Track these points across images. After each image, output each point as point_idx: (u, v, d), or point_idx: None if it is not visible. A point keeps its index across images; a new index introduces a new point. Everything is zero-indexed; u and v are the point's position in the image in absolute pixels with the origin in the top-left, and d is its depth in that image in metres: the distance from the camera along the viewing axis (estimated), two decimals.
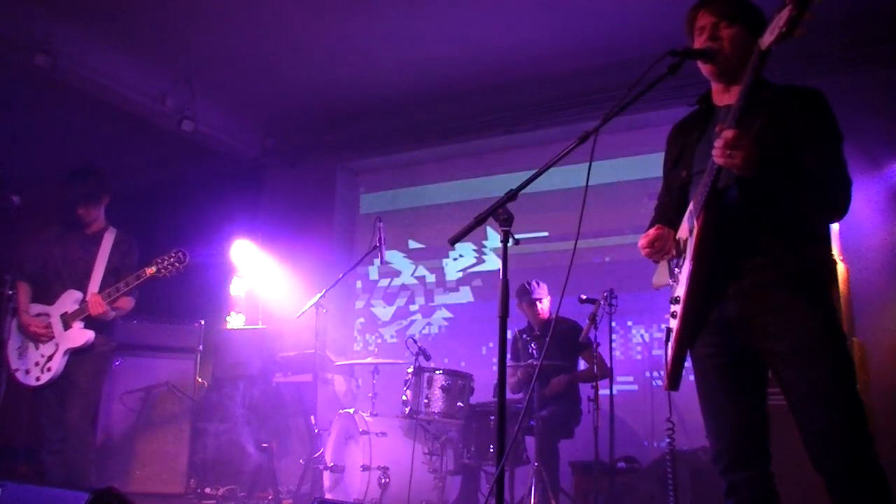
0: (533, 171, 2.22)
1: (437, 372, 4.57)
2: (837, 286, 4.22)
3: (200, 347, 5.86)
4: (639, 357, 5.70)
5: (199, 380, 5.84)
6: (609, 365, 4.43)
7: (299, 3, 5.21)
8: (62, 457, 3.80)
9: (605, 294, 4.39)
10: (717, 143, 1.95)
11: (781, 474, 2.16)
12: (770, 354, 2.06)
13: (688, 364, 2.20)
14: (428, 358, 4.73)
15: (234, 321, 6.63)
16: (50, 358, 3.88)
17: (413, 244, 7.07)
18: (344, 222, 7.38)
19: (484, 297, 6.64)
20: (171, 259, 3.92)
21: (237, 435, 5.63)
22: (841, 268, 4.46)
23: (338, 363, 5.72)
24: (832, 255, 2.16)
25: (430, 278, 6.94)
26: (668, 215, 2.36)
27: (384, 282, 7.20)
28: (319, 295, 4.90)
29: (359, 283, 7.32)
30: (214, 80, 6.34)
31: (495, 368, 2.84)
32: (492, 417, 4.45)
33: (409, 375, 4.62)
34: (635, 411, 5.41)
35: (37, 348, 3.92)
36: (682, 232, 2.22)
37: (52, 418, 3.90)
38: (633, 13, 5.11)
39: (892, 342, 4.57)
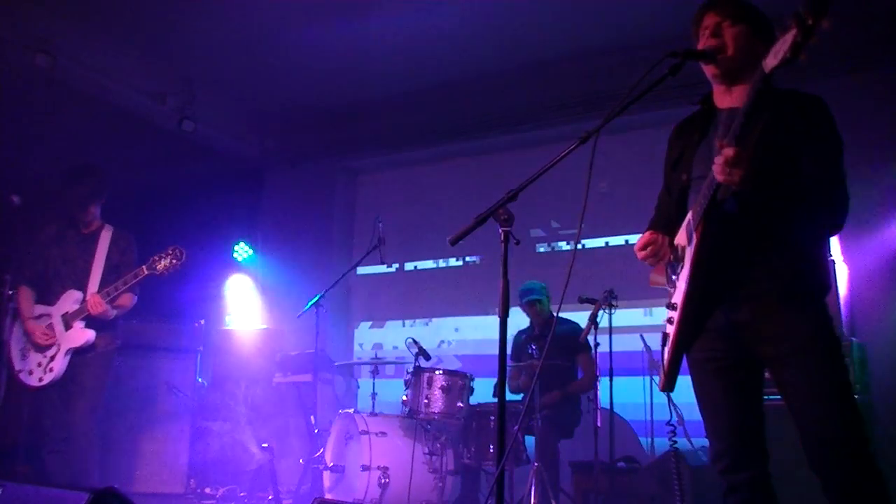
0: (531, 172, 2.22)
1: (436, 372, 4.57)
2: (837, 289, 4.24)
3: (200, 347, 5.86)
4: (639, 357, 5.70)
5: (200, 380, 5.84)
6: (610, 365, 4.41)
7: (299, 4, 5.21)
8: (64, 456, 3.80)
9: (605, 294, 4.38)
10: (718, 160, 1.97)
11: (780, 475, 2.17)
12: (767, 358, 2.10)
13: (686, 364, 2.22)
14: (428, 358, 4.73)
15: (235, 321, 6.63)
16: (52, 358, 3.88)
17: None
18: (344, 222, 7.39)
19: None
20: (169, 256, 3.92)
21: (239, 435, 5.63)
22: (841, 268, 4.47)
23: (338, 363, 5.73)
24: (828, 265, 2.18)
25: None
26: (667, 215, 2.38)
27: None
28: (319, 295, 4.90)
29: None
30: (214, 80, 6.34)
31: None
32: (492, 417, 4.46)
33: (409, 375, 4.62)
34: (635, 411, 5.41)
35: (39, 349, 3.93)
36: (680, 238, 2.24)
37: (54, 418, 3.89)
38: (634, 13, 5.11)
39: (892, 342, 4.57)
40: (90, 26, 5.60)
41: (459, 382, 4.57)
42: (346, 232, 7.39)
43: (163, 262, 3.91)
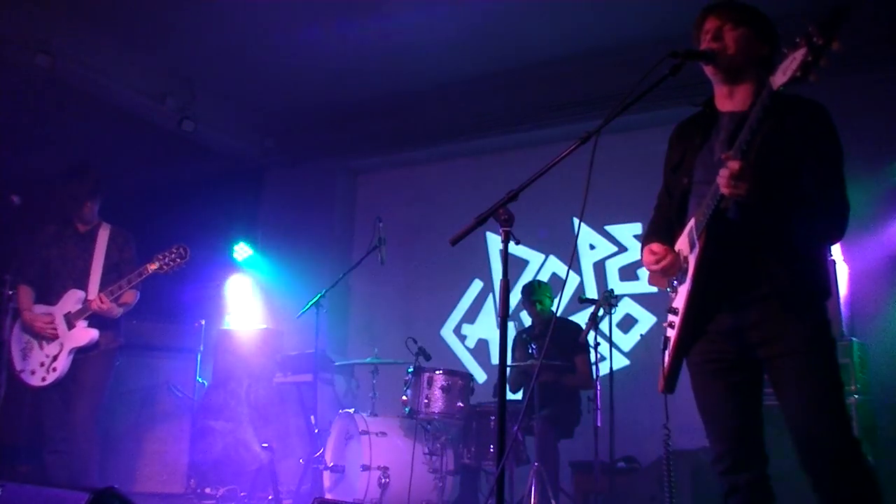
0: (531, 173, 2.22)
1: (436, 372, 4.57)
2: (837, 289, 4.24)
3: (201, 347, 5.86)
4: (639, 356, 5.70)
5: (200, 379, 5.84)
6: (610, 365, 4.40)
7: (299, 4, 5.21)
8: (64, 456, 3.81)
9: (605, 294, 4.38)
10: (723, 174, 1.97)
11: (779, 476, 2.17)
12: (764, 360, 2.12)
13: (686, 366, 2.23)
14: (428, 358, 4.73)
15: (235, 321, 6.63)
16: (55, 358, 3.88)
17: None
18: (344, 222, 7.38)
19: None
20: (173, 255, 3.93)
21: (242, 434, 5.63)
22: (841, 268, 4.47)
23: (338, 363, 5.72)
24: (828, 269, 2.20)
25: None
26: (667, 217, 2.38)
27: None
28: (319, 295, 4.90)
29: None
30: (214, 80, 6.34)
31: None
32: (492, 417, 4.46)
33: (409, 375, 4.62)
34: (635, 411, 5.40)
35: (41, 349, 3.92)
36: (682, 244, 2.25)
37: (55, 418, 3.90)
38: (634, 13, 5.11)
39: (891, 342, 4.57)
40: (90, 26, 5.59)
41: (459, 382, 4.57)
42: (346, 232, 7.38)
43: (167, 260, 3.91)
